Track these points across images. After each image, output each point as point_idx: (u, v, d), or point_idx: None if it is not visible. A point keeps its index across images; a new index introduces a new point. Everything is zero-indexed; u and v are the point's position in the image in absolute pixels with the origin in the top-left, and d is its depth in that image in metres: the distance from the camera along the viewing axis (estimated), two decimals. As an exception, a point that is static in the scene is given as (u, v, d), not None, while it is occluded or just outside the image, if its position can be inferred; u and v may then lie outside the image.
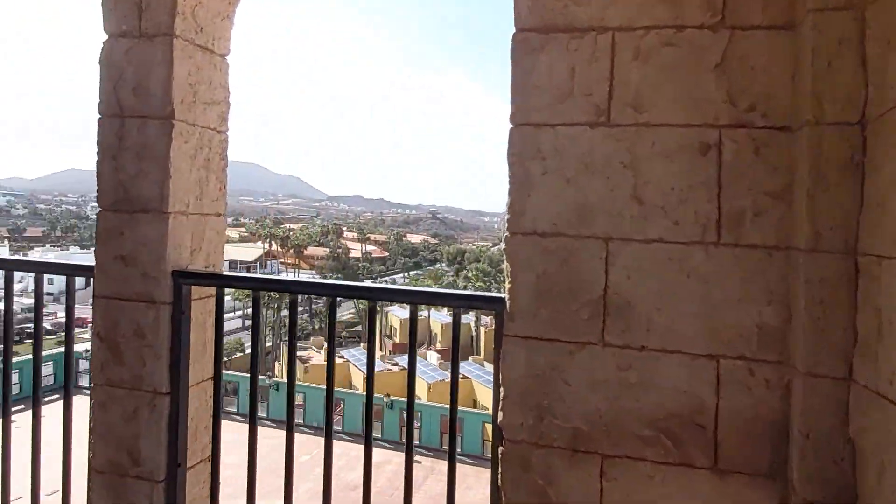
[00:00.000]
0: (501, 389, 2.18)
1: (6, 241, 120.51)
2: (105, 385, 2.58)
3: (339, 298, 2.49)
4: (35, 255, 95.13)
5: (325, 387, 2.47)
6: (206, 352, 2.66)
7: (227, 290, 2.61)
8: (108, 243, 2.58)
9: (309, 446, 27.07)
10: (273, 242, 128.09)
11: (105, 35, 2.62)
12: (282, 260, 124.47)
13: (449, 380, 2.47)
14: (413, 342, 2.48)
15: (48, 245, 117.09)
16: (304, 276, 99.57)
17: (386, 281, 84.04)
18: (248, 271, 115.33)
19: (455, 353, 2.41)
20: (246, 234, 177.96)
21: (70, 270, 2.71)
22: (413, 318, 2.48)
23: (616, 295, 2.06)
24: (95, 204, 2.63)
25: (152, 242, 2.52)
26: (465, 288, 67.82)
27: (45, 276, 2.65)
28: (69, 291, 2.72)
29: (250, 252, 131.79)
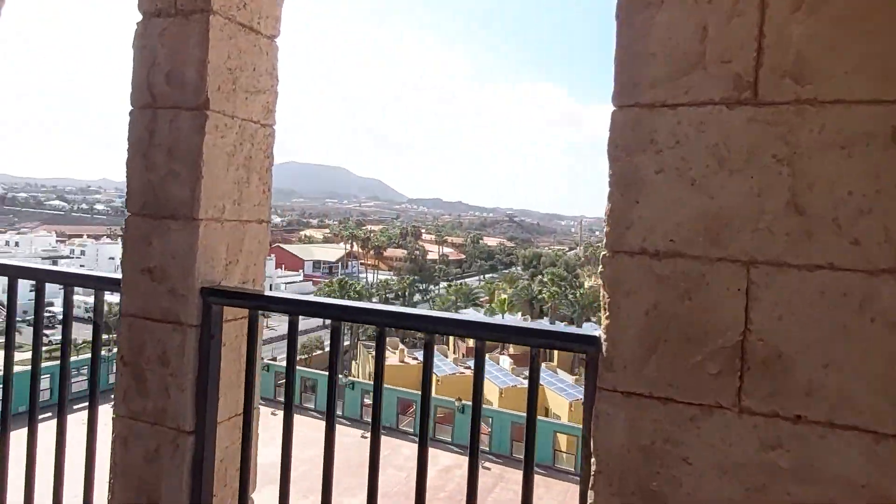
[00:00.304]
0: (593, 461, 1.64)
1: (120, 239, 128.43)
2: (127, 417, 2.25)
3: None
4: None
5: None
6: (240, 382, 2.28)
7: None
8: (135, 253, 2.26)
9: (381, 446, 27.08)
10: (354, 243, 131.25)
11: (139, 15, 2.30)
12: (362, 261, 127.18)
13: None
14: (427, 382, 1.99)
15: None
16: (383, 276, 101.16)
17: (462, 284, 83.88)
18: (331, 271, 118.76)
19: (533, 399, 1.90)
20: (330, 235, 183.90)
21: (97, 283, 2.41)
22: (429, 349, 1.97)
23: (761, 342, 1.49)
24: None
25: (181, 254, 2.17)
26: (539, 292, 66.46)
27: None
28: (97, 310, 2.42)
29: (333, 252, 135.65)
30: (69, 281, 2.45)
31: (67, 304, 2.48)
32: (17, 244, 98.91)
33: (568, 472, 23.62)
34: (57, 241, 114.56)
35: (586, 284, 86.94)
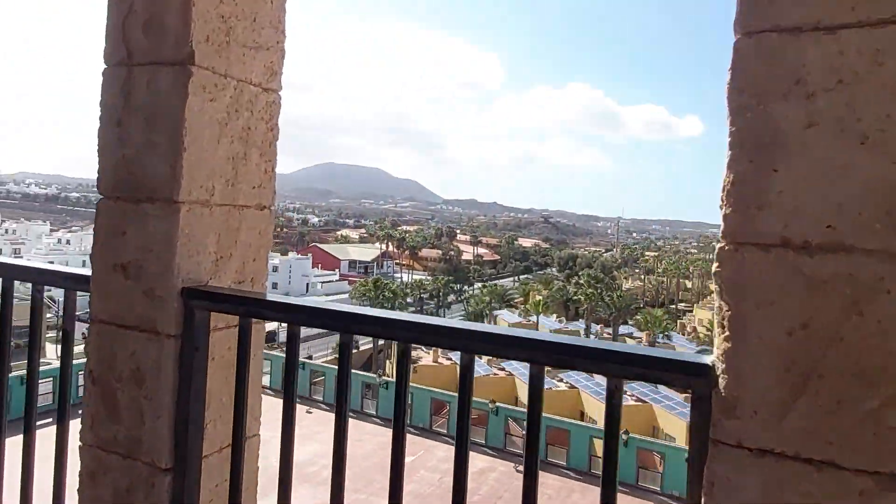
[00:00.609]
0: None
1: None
2: (95, 447, 1.83)
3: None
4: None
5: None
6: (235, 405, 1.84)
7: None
8: (106, 246, 1.84)
9: (414, 448, 26.57)
10: (390, 243, 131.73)
11: (117, -43, 1.87)
12: (397, 261, 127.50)
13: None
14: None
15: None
16: (418, 276, 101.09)
17: (497, 284, 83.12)
18: (367, 271, 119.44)
19: (612, 454, 1.40)
20: (366, 234, 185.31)
21: (70, 282, 2.00)
22: (467, 372, 1.48)
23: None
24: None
25: (158, 246, 1.74)
26: (575, 294, 65.21)
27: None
28: (67, 312, 2.01)
29: (369, 252, 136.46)
30: (38, 279, 2.05)
31: (35, 304, 2.08)
32: (68, 242, 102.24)
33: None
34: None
35: (624, 286, 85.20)
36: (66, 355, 2.00)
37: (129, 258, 1.78)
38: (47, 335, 58.60)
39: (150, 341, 1.73)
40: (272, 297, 1.77)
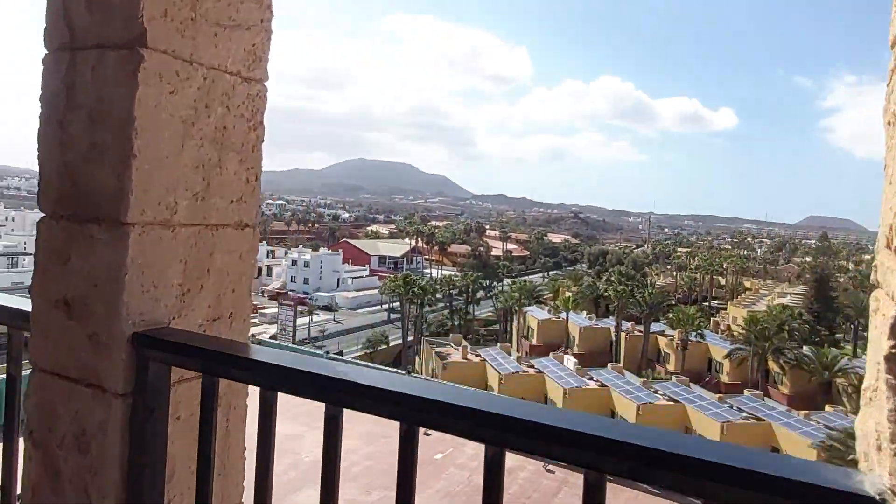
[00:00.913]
0: None
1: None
2: (34, 525, 1.47)
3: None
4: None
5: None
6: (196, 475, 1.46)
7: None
8: (48, 275, 1.47)
9: (444, 445, 26.38)
10: (419, 239, 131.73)
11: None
12: (426, 256, 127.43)
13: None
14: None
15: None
16: (447, 272, 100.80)
17: (526, 280, 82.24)
18: (396, 266, 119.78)
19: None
20: (395, 230, 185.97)
21: (8, 318, 1.64)
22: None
23: None
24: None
25: (102, 279, 1.36)
26: (604, 291, 63.91)
27: None
28: (11, 356, 1.65)
29: (398, 248, 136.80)
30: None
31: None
32: (13, 219, 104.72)
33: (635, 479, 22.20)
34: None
35: (655, 283, 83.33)
36: (10, 408, 1.64)
37: (74, 293, 1.42)
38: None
39: (96, 399, 1.37)
40: (254, 347, 1.38)
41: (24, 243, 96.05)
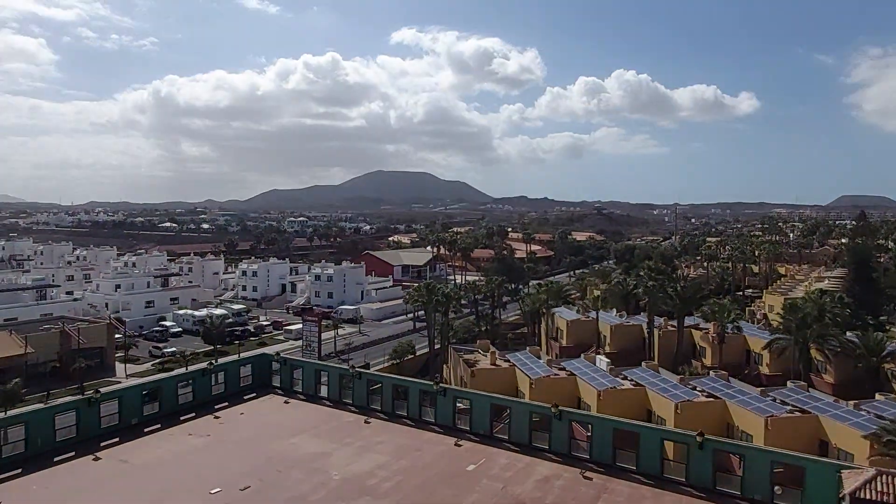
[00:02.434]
0: None
1: (222, 255, 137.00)
2: None
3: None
4: (243, 266, 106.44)
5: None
6: None
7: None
8: None
9: (475, 455, 25.92)
10: (441, 246, 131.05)
11: None
12: (450, 263, 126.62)
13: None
14: None
15: (253, 257, 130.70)
16: (471, 277, 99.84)
17: (552, 281, 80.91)
18: (420, 275, 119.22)
19: None
20: (417, 239, 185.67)
21: None
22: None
23: None
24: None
25: None
26: (634, 287, 62.18)
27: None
28: None
29: (421, 256, 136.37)
30: None
31: None
32: (133, 265, 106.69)
33: (678, 482, 20.97)
34: (168, 259, 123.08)
35: (686, 275, 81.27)
36: None
37: None
38: (116, 354, 60.61)
39: None
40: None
41: (52, 276, 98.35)
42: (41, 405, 29.36)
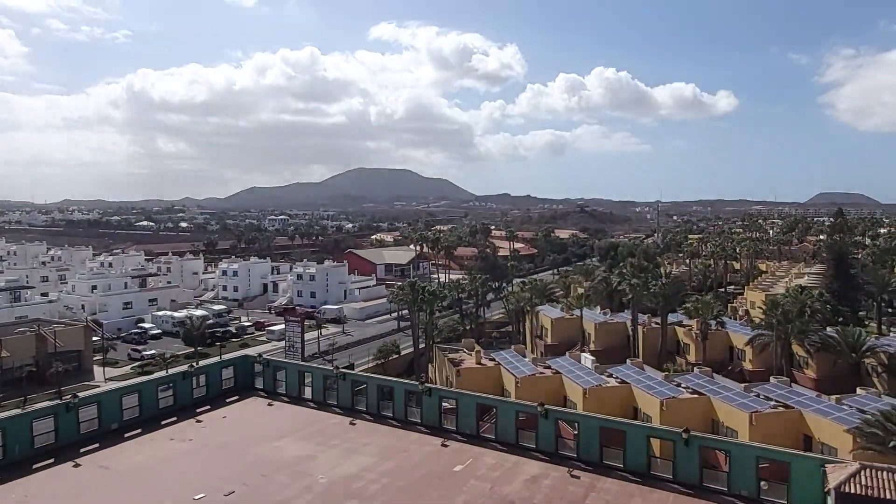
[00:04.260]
0: None
1: (202, 255, 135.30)
2: None
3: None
4: (223, 265, 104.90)
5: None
6: None
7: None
8: None
9: (462, 455, 25.71)
10: (424, 245, 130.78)
11: None
12: (433, 261, 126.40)
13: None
14: None
15: (233, 256, 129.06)
16: (455, 276, 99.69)
17: (536, 279, 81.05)
18: (403, 274, 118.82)
19: None
20: (400, 237, 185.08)
21: None
22: None
23: None
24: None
25: None
26: (618, 285, 62.47)
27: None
28: None
29: (404, 255, 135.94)
30: None
31: None
32: (110, 265, 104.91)
33: (664, 480, 20.98)
34: (146, 259, 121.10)
35: (668, 272, 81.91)
36: None
37: None
38: (94, 358, 59.41)
39: None
40: None
41: (26, 277, 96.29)
42: (18, 411, 28.60)
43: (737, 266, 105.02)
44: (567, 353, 47.30)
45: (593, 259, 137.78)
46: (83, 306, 76.65)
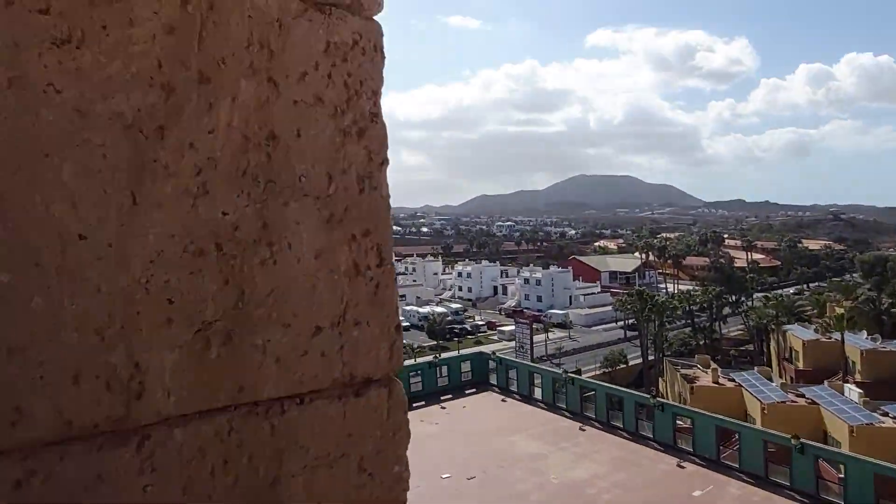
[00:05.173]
0: None
1: (440, 257, 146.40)
2: None
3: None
4: (458, 267, 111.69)
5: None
6: None
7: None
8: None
9: (701, 480, 24.08)
10: (650, 253, 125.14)
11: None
12: (660, 270, 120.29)
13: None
14: None
15: (467, 259, 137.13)
16: (684, 286, 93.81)
17: (781, 295, 72.68)
18: (628, 282, 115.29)
19: None
20: (624, 245, 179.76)
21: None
22: None
23: None
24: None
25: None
26: (889, 306, 53.05)
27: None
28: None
29: (628, 263, 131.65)
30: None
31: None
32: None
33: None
34: (395, 260, 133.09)
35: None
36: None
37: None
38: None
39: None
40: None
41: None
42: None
43: None
44: (826, 381, 41.74)
45: (854, 275, 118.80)
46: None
